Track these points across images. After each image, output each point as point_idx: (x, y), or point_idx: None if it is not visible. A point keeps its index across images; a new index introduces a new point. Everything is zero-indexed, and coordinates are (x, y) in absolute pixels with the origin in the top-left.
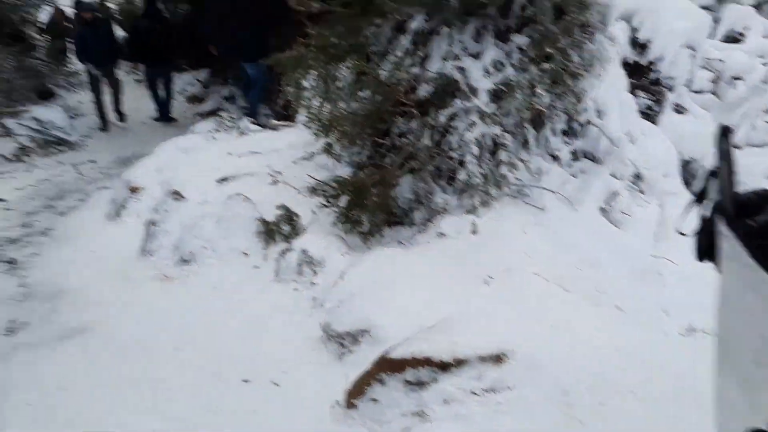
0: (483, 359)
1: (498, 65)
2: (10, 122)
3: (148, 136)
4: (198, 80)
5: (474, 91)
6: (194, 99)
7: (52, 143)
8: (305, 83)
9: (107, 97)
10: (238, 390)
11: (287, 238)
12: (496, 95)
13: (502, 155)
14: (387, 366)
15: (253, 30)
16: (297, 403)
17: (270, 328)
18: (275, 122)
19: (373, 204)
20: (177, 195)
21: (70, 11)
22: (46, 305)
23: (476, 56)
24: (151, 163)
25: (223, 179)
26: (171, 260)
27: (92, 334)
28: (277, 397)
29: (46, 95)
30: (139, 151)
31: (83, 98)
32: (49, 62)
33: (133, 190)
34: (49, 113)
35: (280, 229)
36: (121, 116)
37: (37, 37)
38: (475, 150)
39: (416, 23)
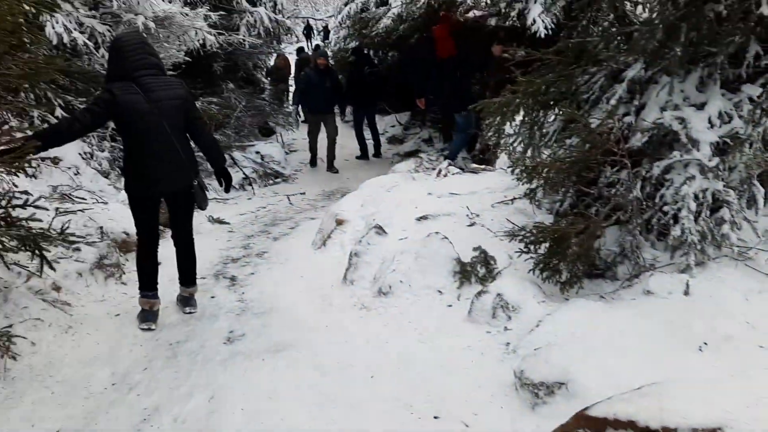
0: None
1: (724, 116)
2: (237, 155)
3: (351, 173)
4: (399, 122)
5: (695, 143)
6: (395, 140)
7: (270, 175)
8: (508, 129)
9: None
10: (429, 425)
11: (482, 280)
12: (721, 148)
13: (725, 213)
14: (586, 423)
15: (458, 83)
16: None
17: (461, 368)
18: (475, 165)
19: (574, 254)
20: (379, 230)
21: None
22: (259, 320)
23: (699, 106)
24: (355, 198)
25: (423, 217)
26: (370, 291)
27: (298, 350)
28: None
29: (267, 132)
30: (343, 186)
31: (296, 135)
32: (273, 103)
33: (339, 222)
34: (269, 149)
35: (475, 270)
36: (331, 165)
37: (264, 80)
38: (693, 205)
39: (633, 71)
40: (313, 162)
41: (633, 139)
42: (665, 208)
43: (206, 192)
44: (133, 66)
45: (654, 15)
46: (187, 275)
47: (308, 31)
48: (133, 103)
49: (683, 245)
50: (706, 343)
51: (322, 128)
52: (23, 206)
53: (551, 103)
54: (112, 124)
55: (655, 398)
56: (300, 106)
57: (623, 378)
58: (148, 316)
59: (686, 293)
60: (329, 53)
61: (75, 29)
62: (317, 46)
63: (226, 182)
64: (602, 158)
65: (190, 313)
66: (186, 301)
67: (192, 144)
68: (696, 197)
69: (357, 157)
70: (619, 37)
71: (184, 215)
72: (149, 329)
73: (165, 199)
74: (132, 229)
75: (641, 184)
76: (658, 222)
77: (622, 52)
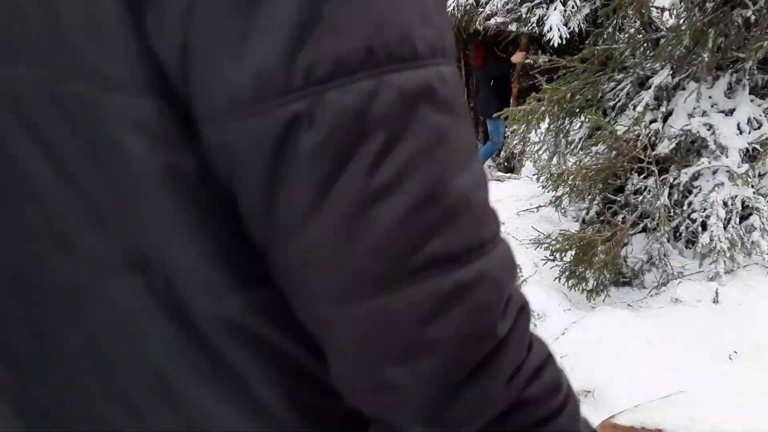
0: None
1: (754, 122)
2: None
3: None
4: None
5: (723, 149)
6: None
7: None
8: (533, 137)
9: None
10: None
11: None
12: (750, 155)
13: (754, 220)
14: (613, 431)
15: (488, 89)
16: None
17: None
18: (500, 173)
19: (601, 262)
20: None
21: None
22: None
23: (727, 113)
24: None
25: None
26: None
27: None
28: None
29: None
30: None
31: None
32: None
33: None
34: None
35: None
36: None
37: None
38: (722, 212)
39: (660, 78)
40: None
41: (660, 145)
42: (693, 216)
43: None
44: None
45: (681, 21)
46: None
47: None
48: None
49: (712, 253)
50: (736, 352)
51: None
52: None
53: (577, 110)
54: None
55: (684, 407)
56: None
57: (651, 387)
58: None
59: (715, 301)
60: None
61: None
62: None
63: None
64: (629, 165)
65: None
66: None
67: None
68: (725, 204)
69: None
70: (645, 44)
71: None
72: None
73: None
74: None
75: (669, 191)
76: (686, 229)
77: (648, 58)
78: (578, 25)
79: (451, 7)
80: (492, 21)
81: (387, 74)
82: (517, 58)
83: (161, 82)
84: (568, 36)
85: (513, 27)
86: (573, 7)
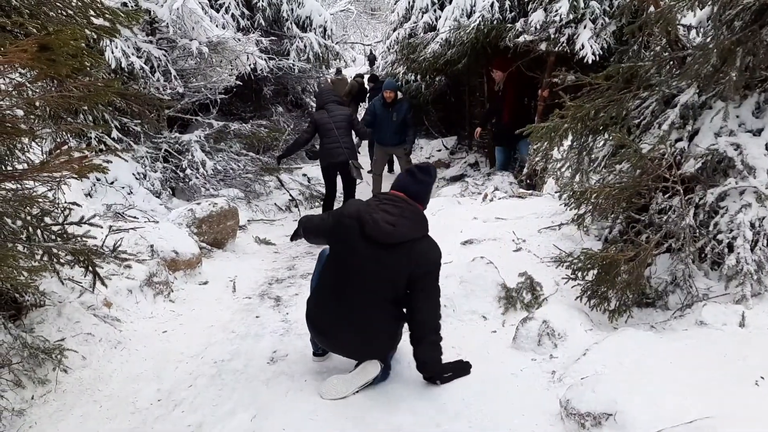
0: None
1: None
2: (285, 177)
3: None
4: (445, 146)
5: (751, 169)
6: (440, 164)
7: (316, 197)
8: (556, 154)
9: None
10: None
11: (528, 306)
12: None
13: None
14: None
15: (516, 115)
16: None
17: (506, 395)
18: (521, 190)
19: (624, 282)
20: None
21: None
22: (302, 341)
23: (755, 132)
24: None
25: (468, 242)
26: None
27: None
28: None
29: (315, 155)
30: None
31: None
32: None
33: None
34: (316, 171)
35: (521, 296)
36: None
37: (313, 104)
38: (749, 234)
39: (686, 96)
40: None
41: (686, 165)
42: (719, 237)
43: (360, 169)
44: (325, 101)
45: (708, 39)
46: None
47: (372, 60)
48: (323, 119)
49: (738, 275)
50: (762, 378)
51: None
52: (78, 223)
53: (600, 128)
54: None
55: None
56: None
57: (674, 411)
58: None
59: (742, 325)
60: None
61: (133, 54)
62: (373, 75)
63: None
64: (653, 184)
65: None
66: None
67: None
68: (752, 225)
69: (369, 172)
70: (671, 62)
71: (348, 180)
72: None
73: (339, 171)
74: (180, 249)
75: (694, 212)
76: (712, 251)
77: (674, 76)
78: (605, 41)
79: (477, 22)
80: (521, 39)
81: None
82: (543, 94)
83: None
84: (601, 52)
85: (543, 46)
86: (601, 24)
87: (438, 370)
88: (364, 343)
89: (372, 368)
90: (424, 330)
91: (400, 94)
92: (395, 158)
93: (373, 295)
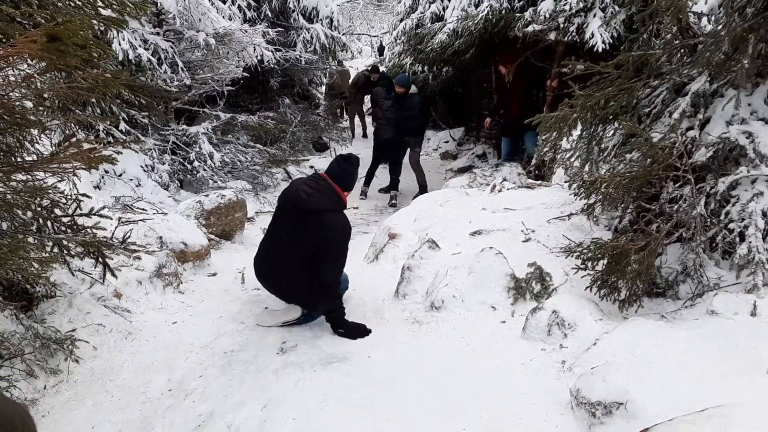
0: None
1: None
2: (292, 169)
3: (404, 189)
4: (452, 137)
5: (763, 158)
6: (448, 155)
7: None
8: (565, 144)
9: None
10: None
11: (537, 296)
12: None
13: None
14: None
15: (524, 106)
16: None
17: (515, 385)
18: (530, 181)
19: (634, 271)
20: (432, 244)
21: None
22: (311, 332)
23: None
24: (408, 213)
25: (476, 232)
26: (422, 305)
27: (349, 363)
28: None
29: (322, 147)
30: (396, 202)
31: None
32: (327, 119)
33: (392, 236)
34: (323, 163)
35: (530, 286)
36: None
37: (320, 96)
38: (761, 223)
39: (697, 85)
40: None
41: (697, 153)
42: (731, 226)
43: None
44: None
45: (719, 26)
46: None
47: (381, 50)
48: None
49: (750, 264)
50: None
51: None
52: (88, 215)
53: (610, 117)
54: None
55: (721, 421)
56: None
57: (685, 400)
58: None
59: (753, 314)
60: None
61: (140, 45)
62: (374, 66)
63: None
64: (664, 173)
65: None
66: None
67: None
68: (764, 214)
69: None
70: (682, 50)
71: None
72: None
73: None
74: (189, 240)
75: (705, 201)
76: (723, 240)
77: (685, 64)
78: (615, 30)
79: (485, 11)
80: (530, 28)
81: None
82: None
83: None
84: (611, 41)
85: (552, 35)
86: (611, 12)
87: (335, 322)
88: (288, 289)
89: (294, 312)
90: (326, 287)
91: (414, 89)
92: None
93: (293, 252)
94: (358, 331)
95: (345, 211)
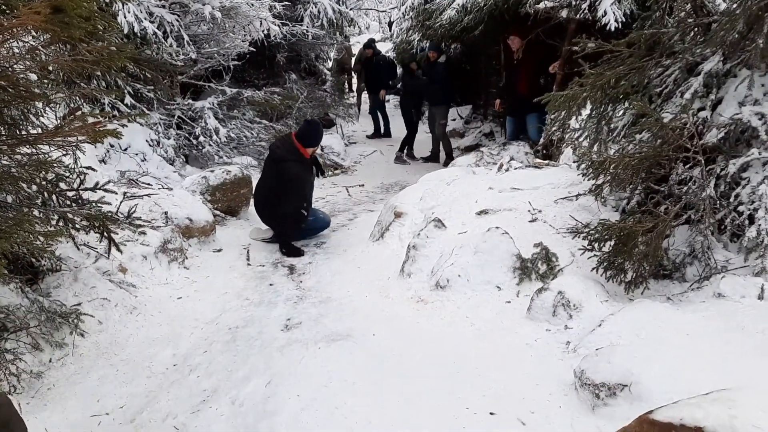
0: None
1: None
2: None
3: (411, 167)
4: (460, 116)
5: None
6: (455, 134)
7: (329, 167)
8: (574, 123)
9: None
10: (483, 420)
11: (543, 277)
12: None
13: None
14: (649, 427)
15: (534, 86)
16: None
17: (519, 365)
18: (538, 161)
19: (641, 253)
20: (438, 223)
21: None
22: (316, 309)
23: None
24: (414, 191)
25: (483, 212)
26: (427, 284)
27: (354, 341)
28: None
29: (328, 124)
30: (402, 179)
31: (356, 128)
32: (334, 95)
33: (397, 215)
34: (330, 140)
35: (536, 267)
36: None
37: (327, 71)
38: None
39: (710, 64)
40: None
41: (708, 135)
42: (740, 208)
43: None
44: None
45: (734, 5)
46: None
47: (391, 26)
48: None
49: (758, 247)
50: None
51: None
52: (93, 189)
53: (621, 96)
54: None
55: (726, 405)
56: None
57: (690, 383)
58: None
59: (761, 297)
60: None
61: (145, 18)
62: (370, 40)
63: None
64: (674, 154)
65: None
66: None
67: None
68: None
69: (368, 136)
70: (695, 28)
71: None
72: None
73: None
74: (194, 216)
75: (715, 182)
76: (732, 222)
77: (698, 43)
78: (628, 7)
79: None
80: (542, 5)
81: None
82: (552, 68)
83: None
84: (624, 19)
85: (564, 13)
86: None
87: (282, 242)
88: (267, 216)
89: (274, 235)
90: (283, 215)
91: (443, 58)
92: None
93: (269, 190)
94: (295, 253)
95: (350, 188)
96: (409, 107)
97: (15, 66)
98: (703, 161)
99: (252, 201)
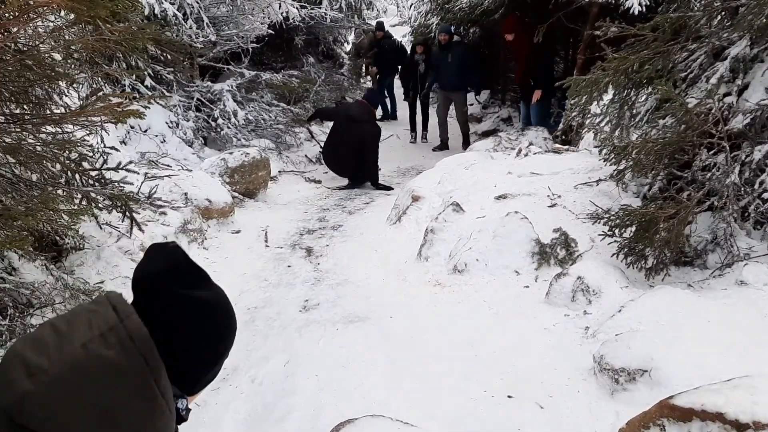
0: None
1: None
2: (315, 129)
3: (428, 151)
4: (477, 100)
5: None
6: (472, 119)
7: None
8: (595, 108)
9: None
10: (501, 404)
11: (562, 262)
12: None
13: None
14: (670, 412)
15: (546, 70)
16: (561, 429)
17: (538, 349)
18: (557, 146)
19: (662, 239)
20: (456, 207)
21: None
22: (333, 291)
23: None
24: (432, 175)
25: (501, 196)
26: (444, 268)
27: (371, 322)
28: (541, 418)
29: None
30: (419, 164)
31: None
32: (352, 78)
33: (415, 198)
34: None
35: (555, 252)
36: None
37: (344, 55)
38: None
39: (737, 49)
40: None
41: (733, 120)
42: (765, 195)
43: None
44: None
45: None
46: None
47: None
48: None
49: None
50: None
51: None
52: (116, 169)
53: (644, 81)
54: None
55: (748, 391)
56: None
57: (711, 369)
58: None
59: None
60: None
61: (166, 0)
62: (380, 23)
63: None
64: (698, 140)
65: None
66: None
67: None
68: None
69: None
70: (723, 12)
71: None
72: None
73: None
74: (213, 197)
75: (740, 169)
76: (756, 210)
77: (725, 28)
78: None
79: None
80: None
81: None
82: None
83: None
84: (648, 2)
85: None
86: None
87: (374, 181)
88: (345, 167)
89: (343, 182)
90: (373, 162)
91: (457, 38)
92: (453, 106)
93: (349, 146)
94: (387, 188)
95: None
96: (407, 88)
97: (40, 45)
98: (727, 147)
99: (267, 185)
